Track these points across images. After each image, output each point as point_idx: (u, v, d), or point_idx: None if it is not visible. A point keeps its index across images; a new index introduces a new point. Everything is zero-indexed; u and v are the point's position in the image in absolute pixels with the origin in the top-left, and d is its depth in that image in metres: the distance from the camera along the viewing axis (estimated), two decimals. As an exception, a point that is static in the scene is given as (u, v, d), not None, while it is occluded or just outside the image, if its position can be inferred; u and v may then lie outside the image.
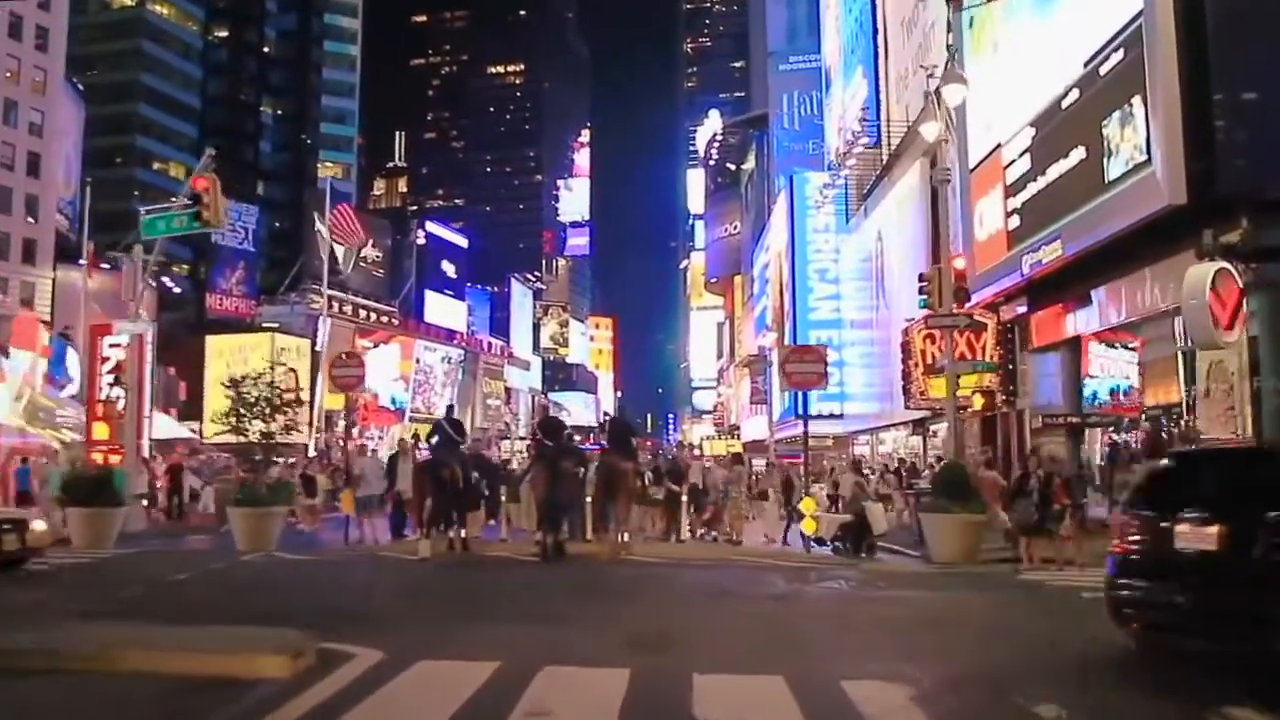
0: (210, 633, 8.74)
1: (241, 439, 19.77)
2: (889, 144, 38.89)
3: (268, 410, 19.11)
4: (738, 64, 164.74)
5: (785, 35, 71.28)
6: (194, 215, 19.38)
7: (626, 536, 17.60)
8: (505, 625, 10.12)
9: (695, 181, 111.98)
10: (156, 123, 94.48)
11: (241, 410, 19.06)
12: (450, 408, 19.66)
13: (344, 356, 22.45)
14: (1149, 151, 17.15)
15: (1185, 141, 16.54)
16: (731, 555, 17.84)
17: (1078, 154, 19.87)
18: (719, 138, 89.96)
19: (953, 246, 22.81)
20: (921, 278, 20.96)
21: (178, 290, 76.15)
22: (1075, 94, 20.11)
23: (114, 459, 23.19)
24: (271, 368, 19.75)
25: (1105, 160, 18.70)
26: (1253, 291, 17.12)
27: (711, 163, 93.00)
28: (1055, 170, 20.92)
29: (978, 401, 25.42)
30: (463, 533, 18.11)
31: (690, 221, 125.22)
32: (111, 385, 25.05)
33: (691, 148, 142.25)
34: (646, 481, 19.57)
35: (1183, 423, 21.61)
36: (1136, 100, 17.49)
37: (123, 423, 23.58)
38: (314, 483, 23.94)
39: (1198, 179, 16.47)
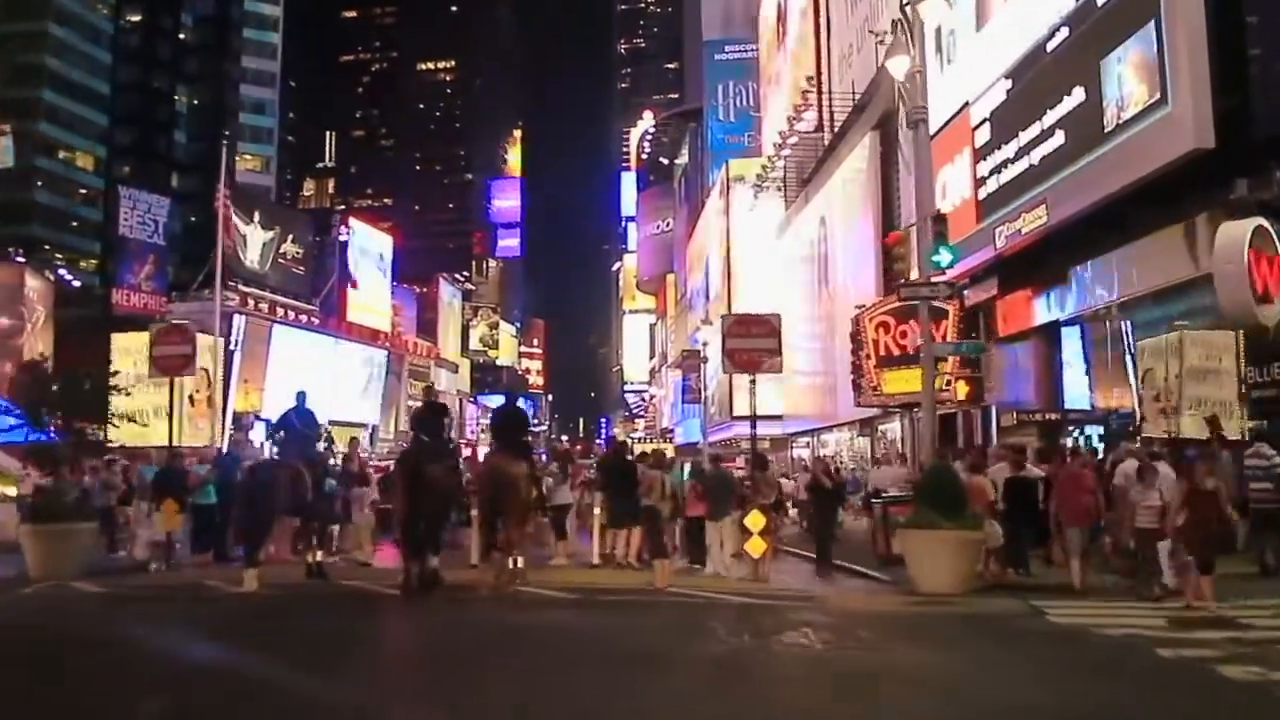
0: None
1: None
2: (832, 125, 35.97)
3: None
4: (671, 65, 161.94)
5: (720, 24, 68.87)
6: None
7: (520, 562, 13.99)
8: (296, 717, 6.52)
9: (629, 184, 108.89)
10: (62, 109, 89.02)
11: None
12: (301, 394, 15.02)
13: (166, 332, 18.14)
14: (1165, 89, 14.05)
15: (1212, 74, 13.52)
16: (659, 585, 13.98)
17: (1069, 102, 16.79)
18: (651, 133, 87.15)
19: (912, 218, 19.46)
20: (888, 239, 17.54)
21: (78, 284, 71.30)
22: (1064, 33, 17.06)
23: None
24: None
25: (1104, 105, 15.63)
26: (1284, 259, 14.18)
27: (644, 157, 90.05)
28: (1039, 124, 17.84)
29: (961, 390, 21.16)
30: (319, 555, 14.51)
31: (623, 224, 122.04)
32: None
33: (625, 150, 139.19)
34: (545, 489, 15.68)
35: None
36: (1149, 28, 14.40)
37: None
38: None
39: (1227, 119, 13.46)
